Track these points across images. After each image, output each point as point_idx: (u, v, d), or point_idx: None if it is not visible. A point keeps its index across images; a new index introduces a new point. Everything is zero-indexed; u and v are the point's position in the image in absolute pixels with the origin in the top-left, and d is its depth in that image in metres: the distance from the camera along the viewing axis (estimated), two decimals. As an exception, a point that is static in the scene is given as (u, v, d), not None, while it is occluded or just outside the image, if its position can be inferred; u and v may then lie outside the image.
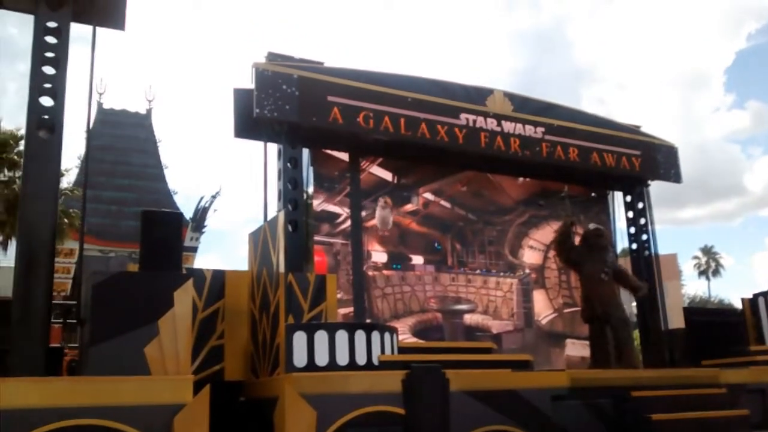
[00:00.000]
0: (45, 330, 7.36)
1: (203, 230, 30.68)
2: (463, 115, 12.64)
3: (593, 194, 15.32)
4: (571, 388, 8.97)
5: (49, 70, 7.88)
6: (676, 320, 14.72)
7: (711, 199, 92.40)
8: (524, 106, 13.50)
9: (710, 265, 68.39)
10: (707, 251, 68.62)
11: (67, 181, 28.01)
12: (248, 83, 11.07)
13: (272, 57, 11.31)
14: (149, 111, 33.53)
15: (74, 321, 8.23)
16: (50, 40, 7.96)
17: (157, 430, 6.45)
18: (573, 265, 12.43)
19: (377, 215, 12.54)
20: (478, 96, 13.00)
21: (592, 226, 12.61)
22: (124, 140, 31.86)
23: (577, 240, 12.47)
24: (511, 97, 13.40)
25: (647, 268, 14.91)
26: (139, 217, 7.92)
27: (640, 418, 8.83)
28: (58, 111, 7.83)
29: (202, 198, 31.02)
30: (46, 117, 7.77)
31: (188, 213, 30.22)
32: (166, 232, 7.58)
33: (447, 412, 7.81)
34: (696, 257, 68.44)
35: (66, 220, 24.53)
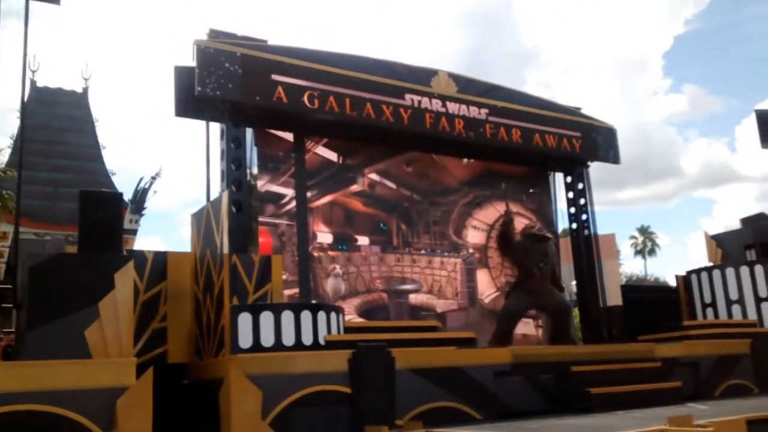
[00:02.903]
0: (-22, 315, 7.12)
1: (143, 212, 29.88)
2: (408, 96, 12.65)
3: (531, 191, 15.58)
4: (513, 364, 9.20)
5: (-23, 45, 7.55)
6: (613, 298, 15.17)
7: (649, 180, 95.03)
8: (468, 87, 13.59)
9: (647, 244, 70.44)
10: (644, 231, 70.65)
11: (0, 161, 26.94)
12: (190, 61, 10.82)
13: (214, 34, 11.08)
14: (86, 89, 32.32)
15: (9, 305, 7.98)
16: (-21, 12, 7.63)
17: (99, 414, 6.36)
18: (515, 260, 12.98)
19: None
20: (423, 76, 13.02)
21: (535, 227, 13.05)
22: (59, 119, 30.68)
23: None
24: (456, 78, 13.47)
25: (586, 248, 15.27)
26: (76, 198, 7.71)
27: (580, 391, 9.11)
28: (-12, 87, 7.51)
29: (141, 179, 30.10)
30: (-24, 93, 7.45)
31: (127, 194, 29.41)
32: (106, 213, 7.42)
33: (393, 389, 7.91)
34: (633, 237, 70.45)
35: (-1, 203, 23.61)
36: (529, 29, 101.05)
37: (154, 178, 30.28)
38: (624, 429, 6.20)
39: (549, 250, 12.47)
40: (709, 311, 13.60)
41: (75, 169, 29.30)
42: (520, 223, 15.11)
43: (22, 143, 9.48)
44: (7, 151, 27.96)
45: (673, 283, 15.28)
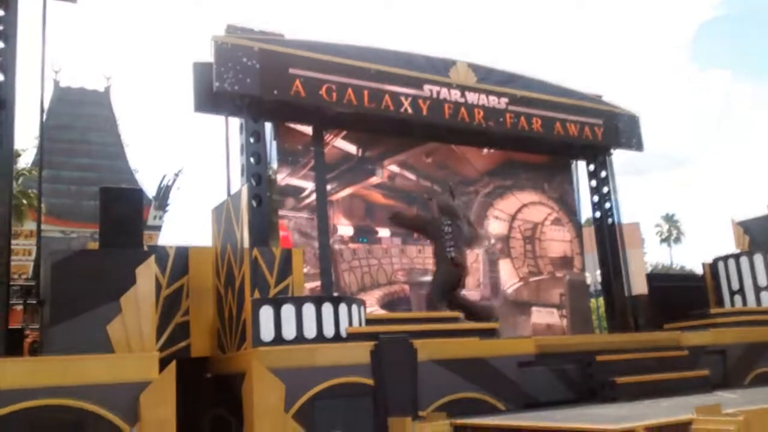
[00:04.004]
0: (3, 312, 7.21)
1: (167, 209, 30.16)
2: (426, 87, 12.57)
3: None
4: (537, 354, 9.12)
5: (-3, 43, 7.62)
6: (638, 287, 14.97)
7: (673, 167, 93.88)
8: (488, 76, 13.46)
9: (672, 232, 69.60)
10: (669, 219, 69.85)
11: (25, 161, 27.29)
12: (208, 57, 10.84)
13: (231, 29, 11.08)
14: (108, 88, 32.68)
15: (34, 302, 8.07)
16: (-3, 12, 7.70)
17: (123, 408, 6.40)
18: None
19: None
20: (441, 67, 12.93)
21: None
22: (82, 119, 31.05)
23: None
24: (475, 68, 13.35)
25: (611, 237, 15.09)
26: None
27: (605, 381, 9.01)
28: (8, 86, 7.61)
29: (164, 176, 30.39)
30: (-3, 92, 7.54)
31: (151, 192, 29.68)
32: (126, 209, 7.45)
33: (415, 381, 7.89)
34: (658, 225, 69.63)
35: (25, 201, 23.95)
36: (549, 17, 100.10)
37: (176, 175, 30.54)
38: (651, 418, 6.09)
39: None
40: (737, 298, 13.36)
41: (99, 168, 29.62)
42: (540, 212, 15.06)
43: (41, 143, 9.57)
44: (33, 151, 28.34)
45: (699, 271, 15.05)
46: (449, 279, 11.43)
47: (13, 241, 8.60)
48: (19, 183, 23.98)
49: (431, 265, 13.32)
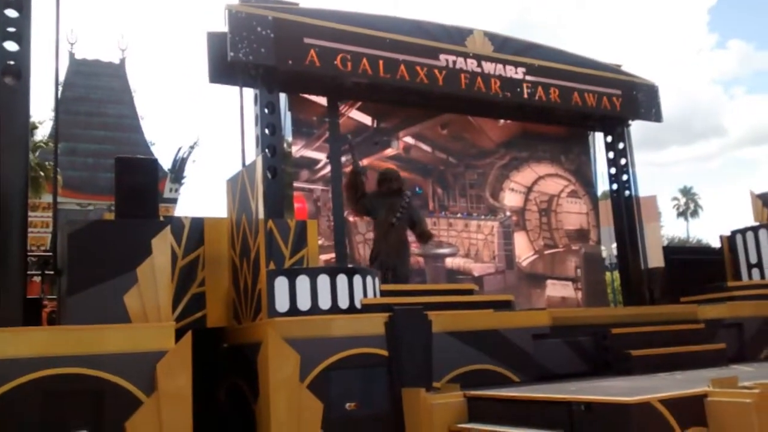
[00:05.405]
0: (21, 282, 7.25)
1: (182, 181, 30.30)
2: (442, 56, 12.42)
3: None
4: (552, 326, 9.08)
5: (11, 13, 7.56)
6: (655, 261, 14.89)
7: (692, 140, 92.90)
8: (505, 46, 13.28)
9: (689, 206, 69.16)
10: (686, 192, 69.30)
11: (42, 134, 27.53)
12: (222, 26, 10.78)
13: (245, -2, 10.99)
14: (123, 60, 32.71)
15: (51, 272, 8.13)
16: (11, -19, 7.64)
17: (140, 378, 6.45)
18: (366, 213, 11.46)
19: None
20: (457, 36, 12.76)
21: (382, 169, 11.77)
22: (98, 91, 31.14)
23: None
24: (492, 37, 13.17)
25: (627, 210, 14.97)
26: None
27: (620, 354, 8.97)
28: (23, 56, 7.55)
29: (180, 148, 30.52)
30: (12, 63, 7.50)
31: (166, 164, 29.80)
32: (142, 179, 7.45)
33: (430, 352, 7.89)
34: (675, 198, 69.16)
35: (42, 174, 24.16)
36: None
37: (192, 148, 30.67)
38: (666, 390, 6.06)
39: (400, 203, 10.93)
40: (755, 272, 13.23)
41: (115, 140, 29.76)
42: (556, 184, 14.95)
43: (57, 115, 9.58)
44: (50, 124, 28.52)
45: (716, 245, 14.92)
46: None
47: (30, 214, 8.63)
48: (36, 155, 24.17)
49: (446, 237, 13.34)
